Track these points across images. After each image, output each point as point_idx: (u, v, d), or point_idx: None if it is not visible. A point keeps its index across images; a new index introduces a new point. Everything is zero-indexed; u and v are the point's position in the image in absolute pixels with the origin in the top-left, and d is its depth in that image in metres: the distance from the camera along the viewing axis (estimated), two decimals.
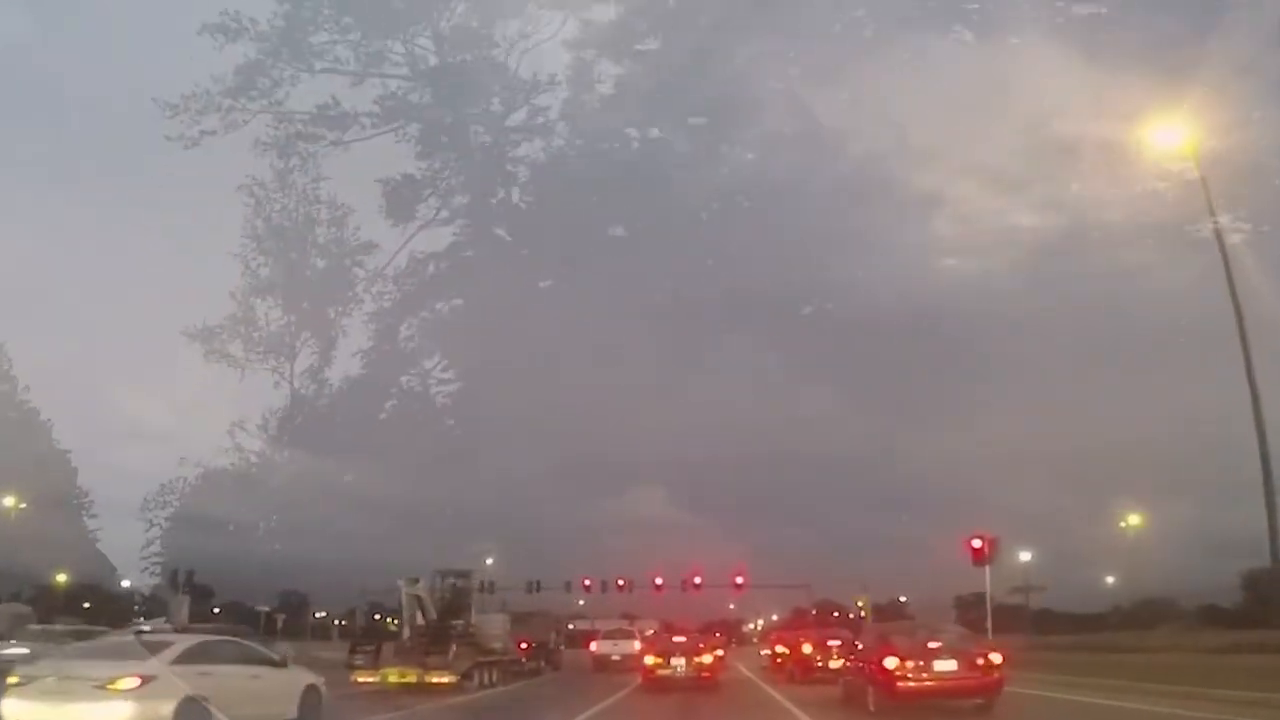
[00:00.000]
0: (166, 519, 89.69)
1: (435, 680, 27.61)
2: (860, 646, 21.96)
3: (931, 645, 18.61)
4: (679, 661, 28.60)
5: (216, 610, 71.18)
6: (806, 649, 29.54)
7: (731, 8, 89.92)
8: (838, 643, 29.53)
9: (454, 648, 28.27)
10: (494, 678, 31.21)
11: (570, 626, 60.96)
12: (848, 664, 22.61)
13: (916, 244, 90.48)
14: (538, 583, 66.12)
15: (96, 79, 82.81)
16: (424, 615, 30.19)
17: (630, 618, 60.25)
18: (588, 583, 66.26)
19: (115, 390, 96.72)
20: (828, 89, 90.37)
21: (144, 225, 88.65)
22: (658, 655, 29.08)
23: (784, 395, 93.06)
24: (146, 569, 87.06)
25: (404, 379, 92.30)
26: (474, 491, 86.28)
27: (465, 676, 28.94)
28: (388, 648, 28.59)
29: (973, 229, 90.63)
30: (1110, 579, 72.57)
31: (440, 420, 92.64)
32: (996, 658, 18.33)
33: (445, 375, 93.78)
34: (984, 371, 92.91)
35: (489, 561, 72.59)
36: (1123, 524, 63.09)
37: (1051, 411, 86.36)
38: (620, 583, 65.13)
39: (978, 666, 18.20)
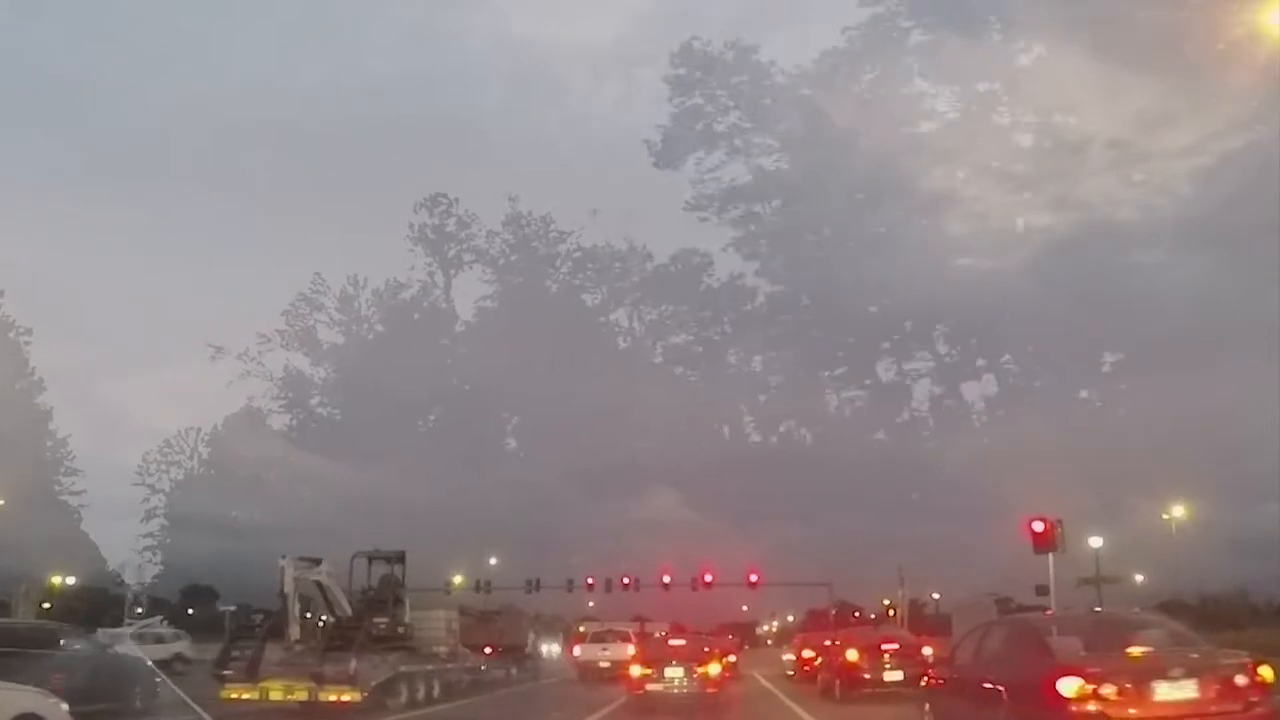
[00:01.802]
0: (168, 515, 79.97)
1: (333, 698, 17.97)
2: (953, 654, 12.11)
3: (1137, 652, 8.88)
4: (676, 672, 18.76)
5: (191, 612, 61.34)
6: (852, 655, 19.48)
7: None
8: (894, 646, 19.62)
9: (356, 654, 18.45)
10: (433, 692, 21.51)
11: (580, 629, 51.07)
12: (932, 681, 12.72)
13: (930, 243, 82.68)
14: (537, 581, 56.15)
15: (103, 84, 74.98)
16: (331, 609, 20.48)
17: (641, 619, 50.62)
18: (590, 581, 56.06)
19: (119, 390, 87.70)
20: (838, 89, 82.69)
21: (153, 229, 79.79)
22: (646, 663, 19.20)
23: (796, 395, 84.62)
24: (144, 555, 77.53)
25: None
26: (485, 492, 77.59)
27: (384, 691, 19.33)
28: (271, 652, 18.83)
29: (987, 227, 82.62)
30: (1139, 577, 63.56)
31: (457, 420, 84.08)
32: (1267, 673, 8.56)
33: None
34: (1001, 370, 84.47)
35: (492, 561, 63.61)
36: (1165, 516, 53.86)
37: (1071, 409, 78.04)
38: (625, 580, 55.12)
39: (1235, 690, 8.44)
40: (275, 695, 18.33)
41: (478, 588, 56.08)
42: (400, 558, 22.22)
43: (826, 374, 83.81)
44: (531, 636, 31.61)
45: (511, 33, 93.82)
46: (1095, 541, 36.77)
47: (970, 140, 78.64)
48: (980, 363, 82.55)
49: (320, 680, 18.16)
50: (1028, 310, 78.84)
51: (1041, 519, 32.13)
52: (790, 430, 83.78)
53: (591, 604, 63.66)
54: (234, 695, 18.44)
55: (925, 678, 13.29)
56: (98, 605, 60.23)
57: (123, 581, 66.29)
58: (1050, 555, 31.96)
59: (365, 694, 18.21)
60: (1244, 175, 69.36)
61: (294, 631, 18.81)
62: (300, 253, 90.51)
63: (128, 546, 73.86)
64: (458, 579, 59.25)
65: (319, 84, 78.17)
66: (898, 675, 18.75)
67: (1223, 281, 71.48)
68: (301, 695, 18.17)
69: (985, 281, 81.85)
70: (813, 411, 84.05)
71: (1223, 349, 71.16)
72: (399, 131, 79.39)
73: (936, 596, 55.37)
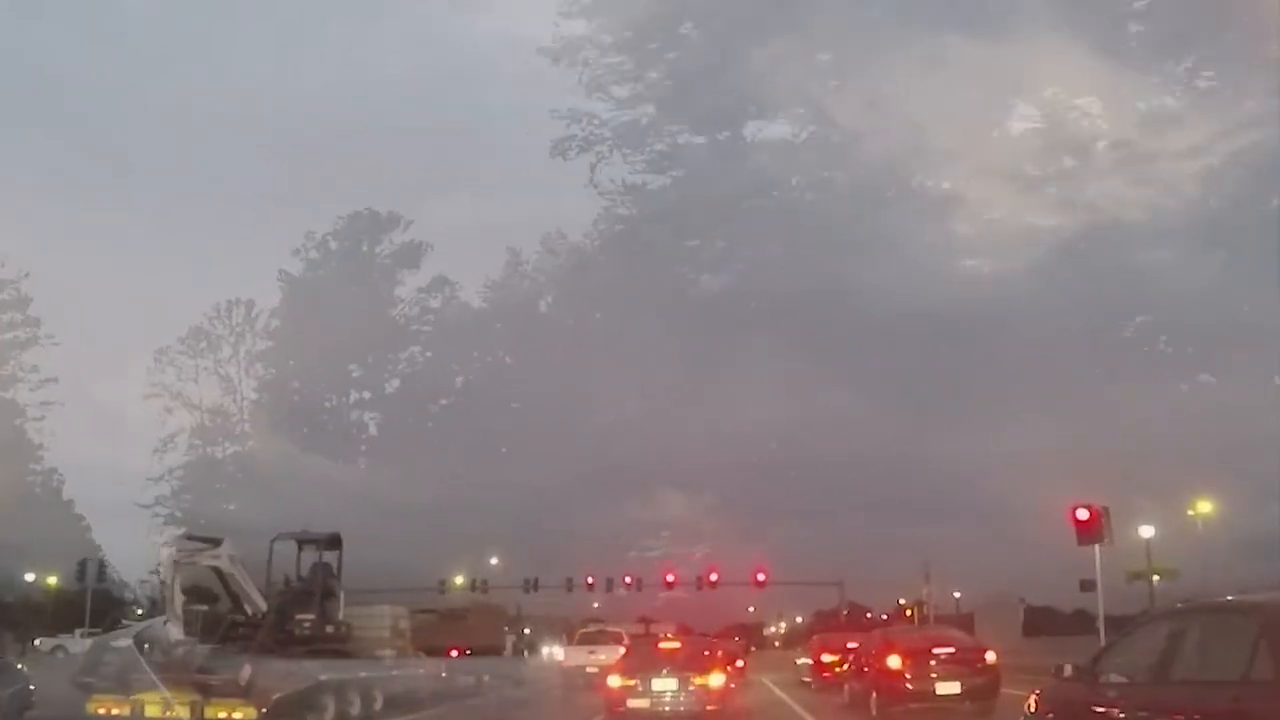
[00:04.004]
0: (185, 475, 70.91)
1: (223, 715, 13.09)
2: (1098, 661, 7.06)
3: None
4: (667, 683, 13.75)
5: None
6: (894, 662, 14.36)
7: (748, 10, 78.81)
8: (948, 650, 14.45)
9: (255, 658, 13.53)
10: (372, 705, 16.57)
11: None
12: (1049, 702, 7.66)
13: (937, 244, 78.07)
14: (535, 580, 51.17)
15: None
16: (238, 603, 15.55)
17: (647, 620, 45.72)
18: (590, 580, 50.96)
19: (117, 390, 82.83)
20: (845, 90, 78.40)
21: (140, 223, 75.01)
22: (628, 672, 14.18)
23: (804, 396, 79.92)
24: (153, 514, 68.61)
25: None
26: (490, 494, 72.70)
27: (299, 704, 14.40)
28: (150, 655, 13.94)
29: (993, 229, 77.98)
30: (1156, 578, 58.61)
31: (459, 421, 79.15)
32: None
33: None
34: (1008, 371, 79.78)
35: (493, 561, 58.69)
36: (1191, 512, 48.77)
37: (1079, 410, 73.35)
38: (627, 580, 50.23)
39: None
40: (152, 710, 13.47)
41: (473, 587, 51.25)
42: (334, 542, 17.26)
43: (832, 373, 78.84)
44: (511, 638, 26.37)
45: (517, 34, 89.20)
46: (1146, 531, 31.62)
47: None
48: (986, 362, 77.42)
49: (206, 691, 13.32)
50: (1035, 309, 74.37)
51: (1087, 506, 27.24)
52: (796, 431, 78.81)
53: (596, 605, 58.63)
54: (101, 709, 13.62)
55: (1032, 700, 8.29)
56: (95, 606, 55.14)
57: (117, 578, 60.42)
58: (1097, 547, 27.11)
59: (265, 709, 13.34)
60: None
61: (175, 630, 13.88)
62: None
63: (129, 540, 67.50)
64: (459, 579, 54.49)
65: (320, 86, 73.70)
66: (953, 687, 13.70)
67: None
68: (183, 711, 13.33)
69: (992, 282, 77.48)
70: (817, 411, 79.09)
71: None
72: (401, 133, 74.89)
73: (958, 595, 49.95)
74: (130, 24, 72.70)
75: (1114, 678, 6.94)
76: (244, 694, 13.18)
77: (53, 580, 56.22)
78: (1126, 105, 71.19)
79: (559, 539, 66.35)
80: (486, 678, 23.24)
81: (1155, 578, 41.68)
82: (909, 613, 43.76)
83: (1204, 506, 48.55)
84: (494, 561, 58.75)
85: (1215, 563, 51.90)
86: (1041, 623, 44.61)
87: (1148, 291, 71.72)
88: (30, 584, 54.09)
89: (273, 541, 17.29)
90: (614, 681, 14.00)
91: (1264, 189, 65.07)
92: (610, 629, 27.61)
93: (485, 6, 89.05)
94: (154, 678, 13.59)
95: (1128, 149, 72.08)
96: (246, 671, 13.25)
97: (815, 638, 24.72)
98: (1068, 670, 7.52)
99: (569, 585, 51.44)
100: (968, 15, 74.49)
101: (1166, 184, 72.82)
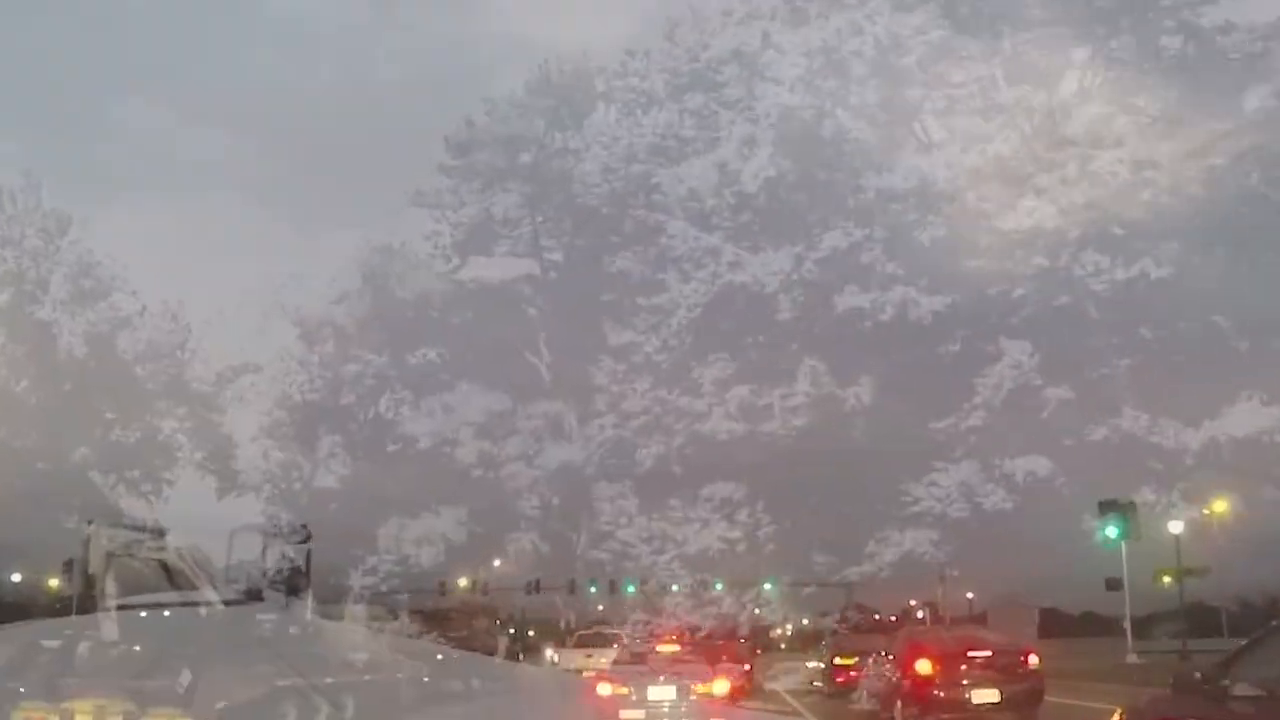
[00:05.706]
0: None
1: None
2: (1229, 665, 5.16)
3: None
4: (664, 691, 11.93)
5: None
6: (923, 667, 12.38)
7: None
8: (984, 654, 12.55)
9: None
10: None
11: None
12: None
13: (940, 244, 76.44)
14: (536, 582, 49.87)
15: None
16: (191, 602, 13.75)
17: (650, 623, 44.21)
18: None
19: None
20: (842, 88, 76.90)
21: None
22: (621, 681, 12.34)
23: (809, 395, 78.24)
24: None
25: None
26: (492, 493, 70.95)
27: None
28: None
29: (996, 229, 76.32)
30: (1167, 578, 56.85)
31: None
32: None
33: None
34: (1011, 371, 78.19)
35: (495, 563, 57.12)
36: (1206, 511, 46.89)
37: (1085, 407, 71.80)
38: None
39: None
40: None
41: (474, 588, 49.72)
42: (302, 535, 15.48)
43: (833, 373, 77.21)
44: (504, 639, 24.43)
45: (521, 38, 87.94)
46: (1175, 527, 29.74)
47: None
48: (988, 361, 75.67)
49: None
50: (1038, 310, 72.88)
51: (1114, 500, 25.80)
52: (801, 429, 77.07)
53: (600, 607, 56.83)
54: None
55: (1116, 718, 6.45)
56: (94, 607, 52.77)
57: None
58: (1124, 545, 25.44)
59: None
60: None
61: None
62: (305, 255, 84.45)
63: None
64: (462, 581, 52.97)
65: (320, 85, 72.26)
66: (991, 695, 11.87)
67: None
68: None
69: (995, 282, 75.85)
70: (819, 412, 77.39)
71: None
72: (404, 136, 73.57)
73: (970, 596, 48.01)
74: (129, 23, 71.45)
75: (1247, 689, 5.13)
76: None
77: (54, 582, 54.54)
78: (1128, 105, 69.81)
79: (561, 540, 64.70)
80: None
81: (1168, 579, 39.74)
82: (919, 614, 41.74)
83: (1220, 506, 46.64)
84: (496, 563, 57.32)
85: (1223, 562, 50.13)
86: (1050, 625, 42.84)
87: (1147, 291, 70.42)
88: (30, 585, 52.44)
89: (232, 534, 15.56)
90: (604, 690, 12.13)
91: (1266, 190, 63.73)
92: (608, 630, 25.63)
93: (485, 7, 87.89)
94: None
95: (1129, 149, 70.74)
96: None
97: (829, 640, 22.75)
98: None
99: (571, 587, 50.22)
100: (966, 12, 73.23)
101: (1168, 184, 71.39)
